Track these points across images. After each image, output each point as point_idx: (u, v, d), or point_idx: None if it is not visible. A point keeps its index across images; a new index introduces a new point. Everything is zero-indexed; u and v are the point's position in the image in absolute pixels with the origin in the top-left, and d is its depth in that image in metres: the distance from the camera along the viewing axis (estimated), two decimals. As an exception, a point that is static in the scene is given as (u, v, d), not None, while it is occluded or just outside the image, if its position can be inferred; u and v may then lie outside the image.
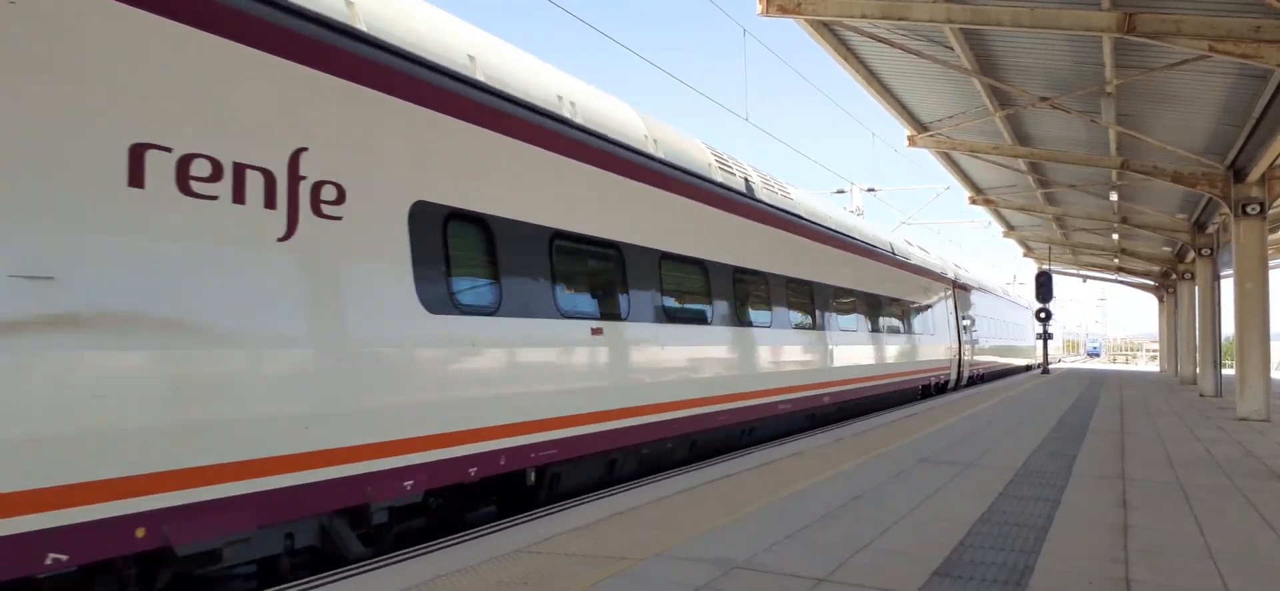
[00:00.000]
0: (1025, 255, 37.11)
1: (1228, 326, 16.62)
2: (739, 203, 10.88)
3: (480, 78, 6.74)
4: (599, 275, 8.08)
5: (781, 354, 11.91)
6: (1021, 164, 18.64)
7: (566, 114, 7.74)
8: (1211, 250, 20.08)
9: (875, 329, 16.35)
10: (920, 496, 6.54)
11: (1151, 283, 38.20)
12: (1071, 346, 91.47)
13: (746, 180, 11.50)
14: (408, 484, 5.60)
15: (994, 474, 7.73)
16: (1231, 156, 14.16)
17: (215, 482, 4.43)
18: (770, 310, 11.69)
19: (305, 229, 5.02)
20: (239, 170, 4.67)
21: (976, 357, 27.35)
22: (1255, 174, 13.63)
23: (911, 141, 16.52)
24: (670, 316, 9.01)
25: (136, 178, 4.19)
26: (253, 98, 4.83)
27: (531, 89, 7.38)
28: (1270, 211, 14.01)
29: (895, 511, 5.96)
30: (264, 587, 4.94)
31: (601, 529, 5.44)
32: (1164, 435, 11.22)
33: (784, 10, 10.41)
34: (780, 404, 11.77)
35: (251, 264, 4.70)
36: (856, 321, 15.27)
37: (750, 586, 4.18)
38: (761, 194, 11.82)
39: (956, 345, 24.01)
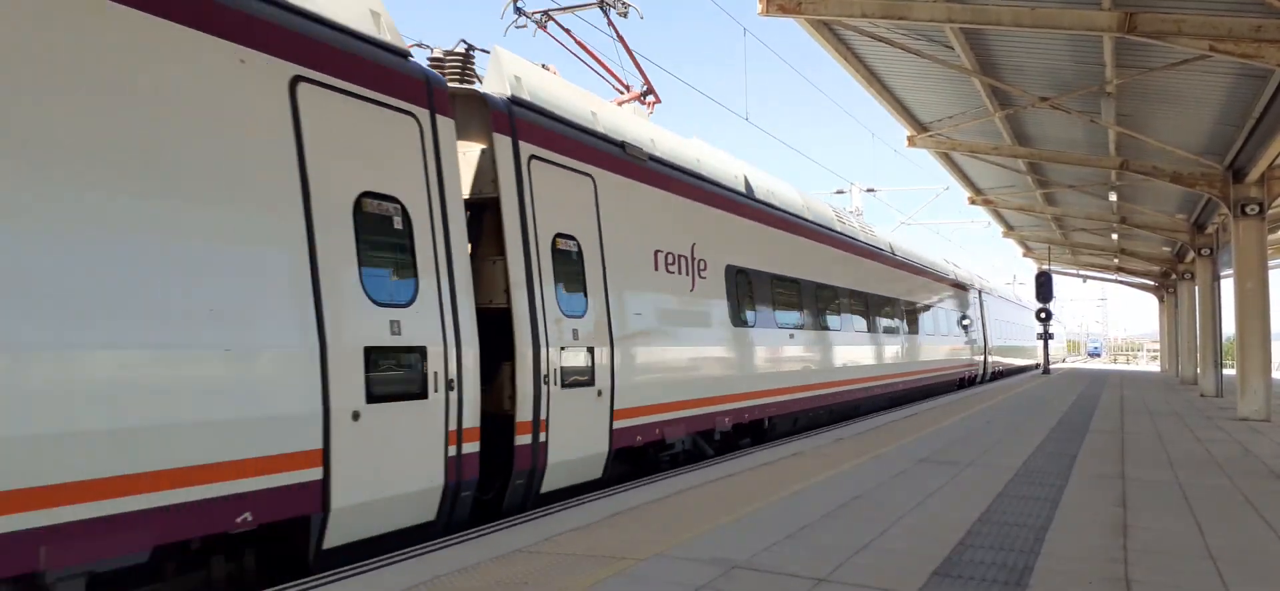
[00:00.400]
0: (1025, 255, 37.11)
1: (1228, 326, 16.63)
2: (852, 245, 15.94)
3: (751, 191, 11.97)
4: (789, 300, 12.57)
5: (883, 352, 17.02)
6: (1021, 164, 18.63)
7: (774, 201, 12.71)
8: (1211, 250, 20.07)
9: (934, 334, 21.70)
10: (920, 496, 6.54)
11: (1151, 283, 38.20)
12: (1073, 346, 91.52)
13: (854, 231, 16.63)
14: (727, 420, 10.31)
15: (994, 474, 7.72)
16: (1231, 157, 14.16)
17: (724, 403, 10.20)
18: (876, 320, 16.76)
19: (697, 284, 9.85)
20: (676, 256, 9.44)
21: (995, 356, 31.81)
22: (1255, 174, 13.62)
23: (911, 141, 16.52)
24: (824, 325, 13.86)
25: (657, 265, 9.04)
26: (681, 220, 9.64)
27: (761, 189, 12.43)
28: (1269, 211, 14.01)
29: (895, 511, 5.96)
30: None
31: (601, 529, 5.44)
32: (1164, 435, 11.22)
33: (784, 10, 10.40)
34: (883, 386, 16.91)
35: (684, 303, 9.53)
36: (922, 327, 20.54)
37: (750, 586, 4.17)
38: (862, 238, 16.94)
39: (983, 345, 29.09)
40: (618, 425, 7.96)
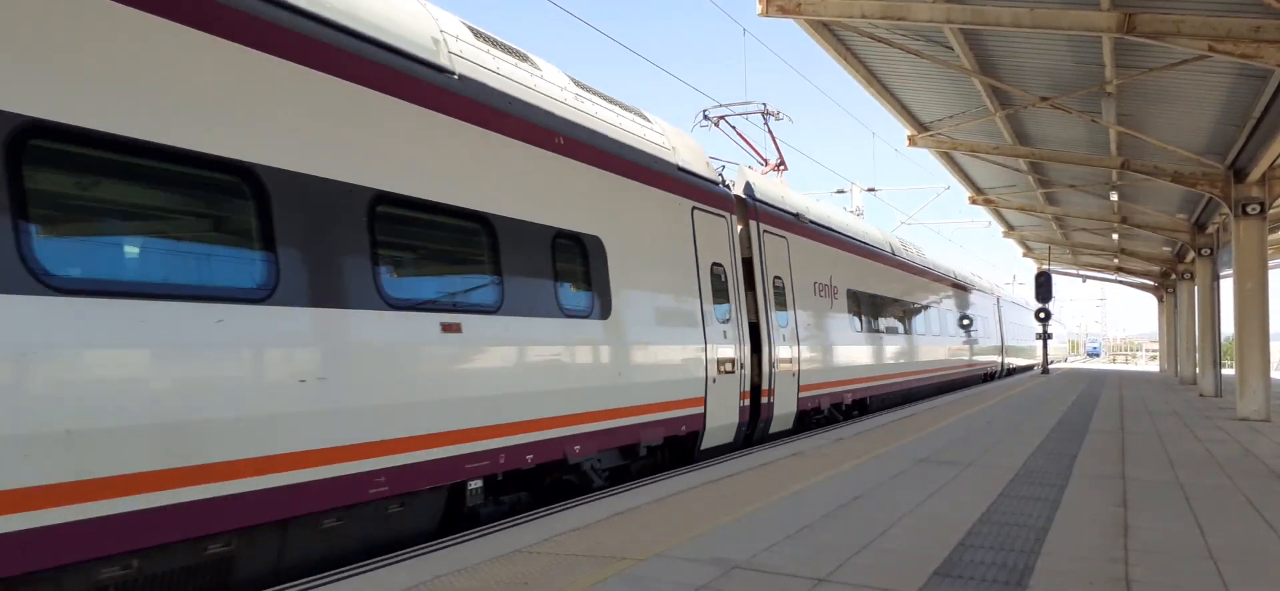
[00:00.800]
0: (1025, 255, 37.10)
1: (1227, 326, 16.62)
2: (921, 269, 20.88)
3: (855, 235, 16.09)
4: (883, 311, 17.06)
5: (940, 351, 22.21)
6: (1021, 164, 18.63)
7: (868, 241, 16.98)
8: (1211, 250, 20.07)
9: (971, 336, 26.94)
10: (920, 496, 6.54)
11: (1151, 283, 38.19)
12: (1074, 347, 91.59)
13: (919, 258, 21.41)
14: (850, 397, 14.54)
15: (994, 474, 7.73)
16: (1232, 156, 14.16)
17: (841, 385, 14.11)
18: (936, 326, 21.98)
19: (834, 303, 14.06)
20: (823, 285, 13.59)
21: (1010, 356, 36.23)
22: (1255, 174, 13.62)
23: (911, 141, 16.52)
24: (905, 330, 18.70)
25: (816, 292, 13.34)
26: (825, 260, 13.83)
27: (858, 231, 16.71)
28: (1270, 211, 14.01)
29: (895, 512, 5.96)
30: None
31: (601, 529, 5.44)
32: (1164, 435, 11.22)
33: (784, 11, 10.41)
34: (939, 377, 22.17)
35: (829, 316, 13.70)
36: (965, 331, 26.04)
37: (750, 586, 4.18)
38: (925, 263, 21.71)
39: (1001, 345, 33.57)
40: (801, 395, 12.40)
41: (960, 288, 25.80)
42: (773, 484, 7.10)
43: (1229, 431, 11.78)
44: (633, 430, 8.06)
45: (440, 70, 6.28)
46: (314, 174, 5.17)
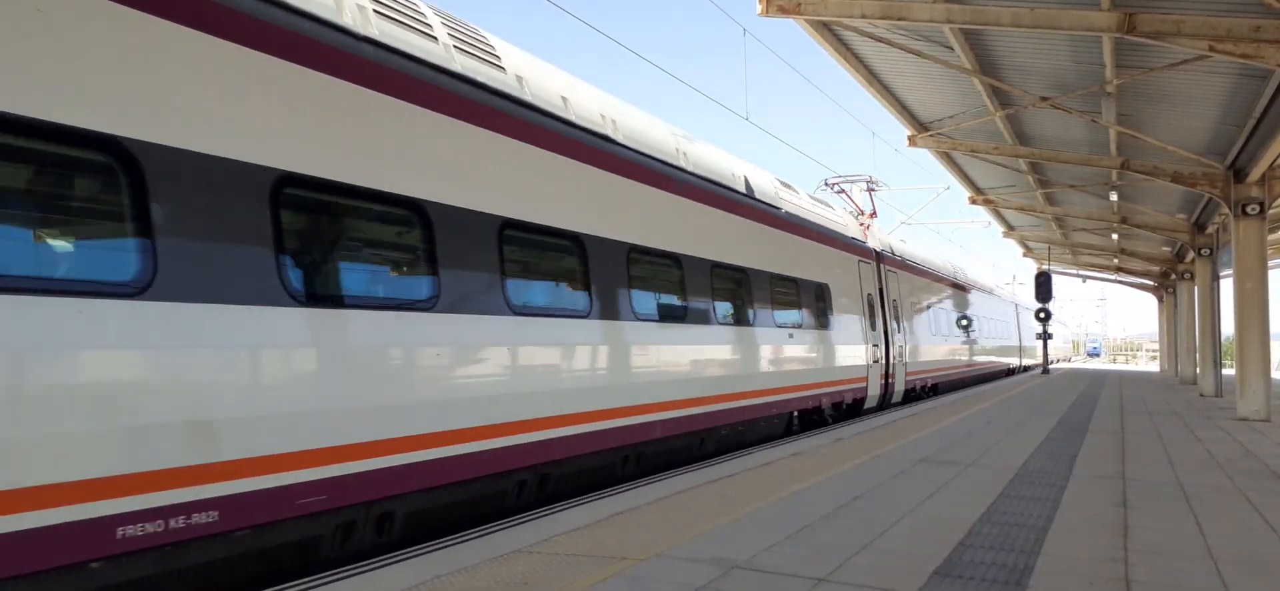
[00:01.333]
0: (1025, 255, 37.09)
1: (1227, 326, 16.62)
2: (969, 286, 27.23)
3: (935, 267, 22.94)
4: (953, 321, 23.91)
5: (985, 349, 28.77)
6: (1021, 164, 18.63)
7: (940, 269, 23.15)
8: (1211, 250, 20.06)
9: (1002, 338, 33.52)
10: (920, 496, 6.54)
11: (1151, 283, 38.18)
12: (1076, 346, 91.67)
13: (972, 277, 28.66)
14: (932, 381, 20.94)
15: (994, 474, 7.72)
16: (1232, 156, 14.16)
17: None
18: (980, 330, 27.93)
19: (923, 315, 20.53)
20: (914, 303, 19.78)
21: (1026, 357, 41.78)
22: (1255, 174, 13.62)
23: (912, 141, 16.52)
24: (969, 334, 25.84)
25: (915, 308, 20.13)
26: (917, 285, 20.07)
27: (944, 261, 24.77)
28: (1270, 211, 14.00)
29: (895, 512, 5.96)
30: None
31: (601, 529, 5.44)
32: (1164, 435, 11.22)
33: (784, 10, 10.40)
34: (984, 369, 28.54)
35: (918, 324, 19.87)
36: (997, 334, 32.23)
37: (750, 586, 4.17)
38: (973, 279, 28.59)
39: (1019, 346, 39.36)
40: (908, 379, 18.26)
41: (997, 299, 34.00)
42: (773, 484, 7.10)
43: (1229, 431, 11.78)
44: (841, 393, 14.13)
45: (777, 213, 12.41)
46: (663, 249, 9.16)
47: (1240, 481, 7.50)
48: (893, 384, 17.03)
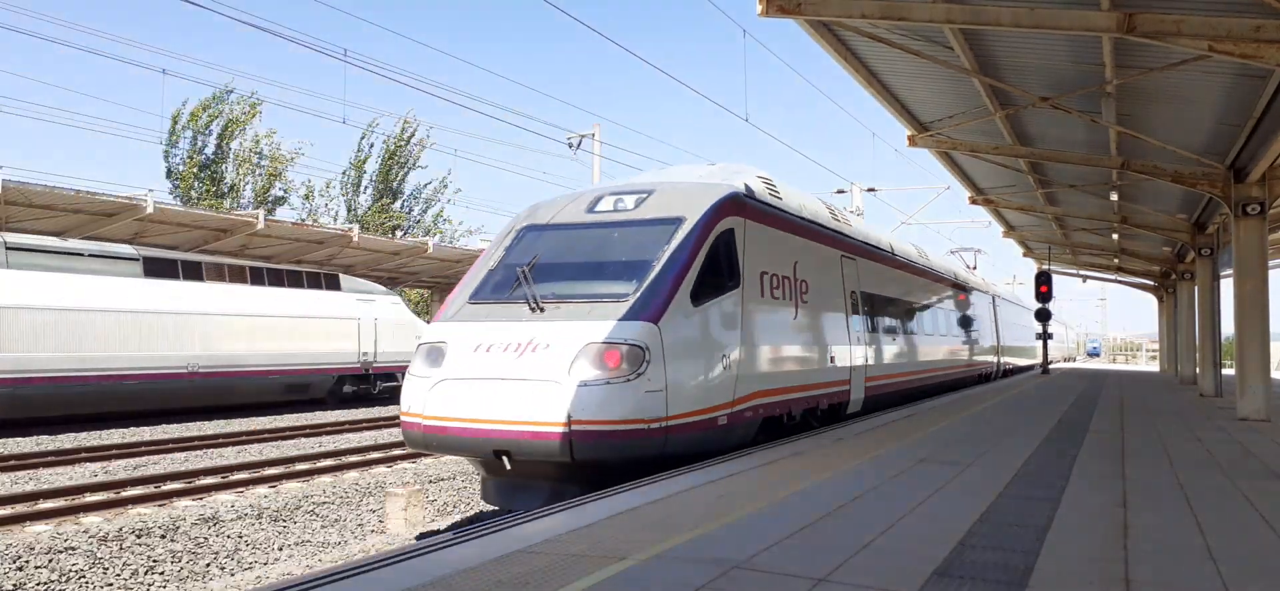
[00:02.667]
0: (1025, 255, 37.07)
1: (1228, 326, 16.61)
2: (1011, 301, 34.47)
3: (997, 292, 32.24)
4: (1005, 327, 31.84)
5: (1011, 348, 32.57)
6: (1022, 164, 18.62)
7: (1004, 293, 33.40)
8: (1211, 250, 20.05)
9: (1024, 341, 38.08)
10: (920, 496, 6.56)
11: (1151, 282, 38.15)
12: (1078, 346, 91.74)
13: (1005, 292, 34.85)
14: (998, 368, 29.81)
15: (994, 474, 7.74)
16: (1232, 156, 14.16)
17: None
18: (1010, 336, 32.30)
19: (994, 324, 29.30)
20: (1009, 321, 32.83)
21: (1039, 356, 46.65)
22: (1256, 174, 13.62)
23: (912, 141, 16.51)
24: (1000, 340, 30.48)
25: (1006, 327, 32.99)
26: (981, 305, 27.38)
27: (1005, 290, 37.79)
28: (1270, 211, 14.00)
29: (895, 511, 5.97)
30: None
31: (601, 529, 5.46)
32: (1164, 435, 11.23)
33: (784, 11, 10.40)
34: (1011, 364, 32.61)
35: (991, 331, 28.96)
36: (1019, 338, 36.46)
37: (749, 586, 4.19)
38: (1008, 295, 34.93)
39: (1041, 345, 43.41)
40: (1001, 362, 29.90)
41: (1021, 308, 38.69)
42: (773, 484, 7.12)
43: (1229, 431, 11.79)
44: (974, 379, 24.33)
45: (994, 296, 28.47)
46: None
47: (1240, 481, 7.51)
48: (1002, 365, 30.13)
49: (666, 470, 8.09)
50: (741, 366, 9.64)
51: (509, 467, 8.34)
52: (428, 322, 28.27)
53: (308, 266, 29.97)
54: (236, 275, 23.15)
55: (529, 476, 8.45)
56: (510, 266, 9.50)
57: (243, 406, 23.08)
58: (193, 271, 21.93)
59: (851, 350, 13.40)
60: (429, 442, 8.59)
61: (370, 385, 26.61)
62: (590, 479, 8.10)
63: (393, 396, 26.61)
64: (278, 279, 24.22)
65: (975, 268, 30.65)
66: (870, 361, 14.44)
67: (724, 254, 9.65)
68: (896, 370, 16.04)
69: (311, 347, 24.15)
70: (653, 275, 8.85)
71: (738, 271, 9.86)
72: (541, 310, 8.74)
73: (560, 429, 7.83)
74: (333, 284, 25.85)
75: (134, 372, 19.92)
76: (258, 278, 23.70)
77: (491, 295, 9.31)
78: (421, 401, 8.51)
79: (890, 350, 15.59)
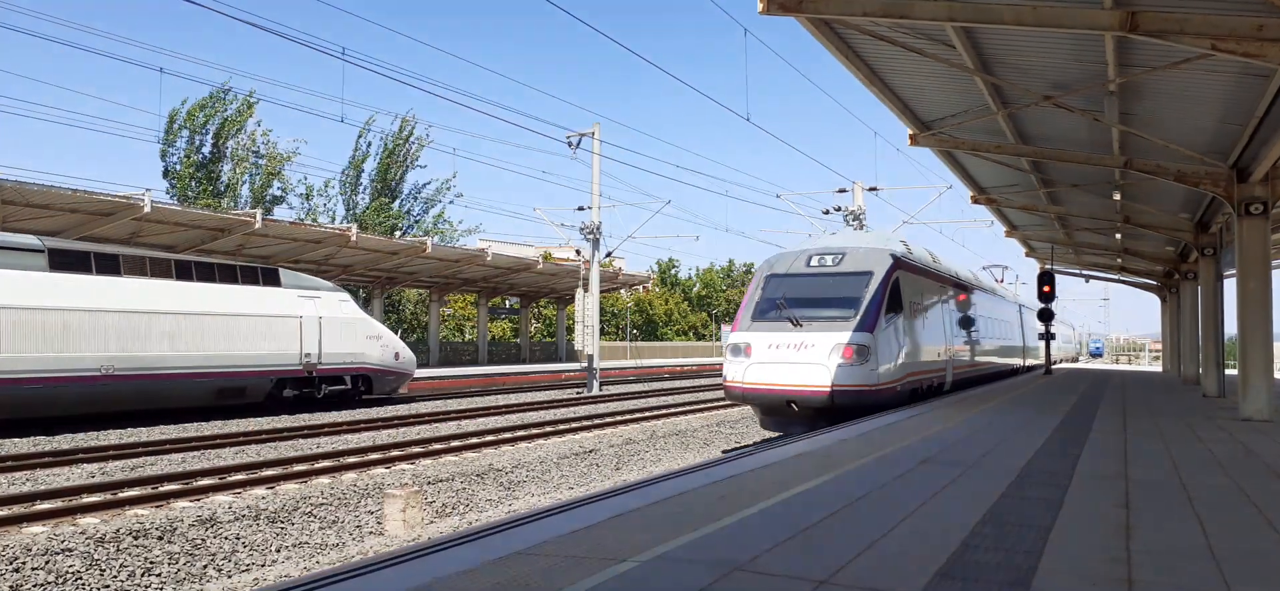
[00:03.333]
0: (1027, 255, 37.02)
1: (1231, 326, 16.56)
2: (1024, 308, 37.55)
3: (1021, 300, 38.75)
4: (1015, 332, 34.08)
5: (1027, 351, 36.49)
6: (1024, 163, 18.58)
7: (992, 286, 33.74)
8: (1214, 250, 20.00)
9: (1033, 342, 40.97)
10: (923, 497, 6.51)
11: (1154, 282, 38.09)
12: (1081, 346, 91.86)
13: (1022, 301, 38.60)
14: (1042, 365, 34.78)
15: (996, 475, 7.69)
16: (1235, 156, 14.11)
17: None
18: (1026, 339, 36.46)
19: (1008, 327, 32.33)
20: (1005, 322, 33.16)
21: (1055, 354, 49.15)
22: (1259, 173, 13.57)
23: (913, 140, 16.46)
24: (1021, 342, 35.38)
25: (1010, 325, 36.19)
26: (1008, 313, 32.86)
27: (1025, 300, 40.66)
28: (1274, 211, 13.95)
29: (897, 512, 5.93)
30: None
31: (601, 530, 5.41)
32: (1167, 435, 11.18)
33: (785, 8, 10.36)
34: (1030, 364, 36.60)
35: (1018, 335, 34.81)
36: (1043, 339, 38.53)
37: (750, 587, 4.15)
38: (1028, 301, 38.13)
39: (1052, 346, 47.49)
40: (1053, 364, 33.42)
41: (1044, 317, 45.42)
42: (774, 484, 7.07)
43: (1232, 432, 11.74)
44: (1009, 372, 28.87)
45: (1010, 302, 33.45)
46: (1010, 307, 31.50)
47: (1243, 482, 7.47)
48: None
49: (870, 414, 14.22)
50: (904, 358, 16.60)
51: (795, 411, 15.43)
52: (381, 325, 28.21)
53: (244, 260, 28.40)
54: (160, 269, 20.66)
55: (804, 415, 15.37)
56: (770, 299, 16.43)
57: (173, 412, 21.03)
58: (108, 265, 19.71)
59: (947, 349, 20.43)
60: (747, 398, 16.13)
61: (314, 389, 23.81)
62: (836, 417, 14.34)
63: (346, 402, 24.74)
64: (208, 273, 21.75)
65: (1002, 280, 36.27)
66: (955, 358, 21.36)
67: (895, 293, 16.39)
68: (968, 363, 23.13)
69: (246, 348, 21.78)
70: (863, 306, 15.68)
71: (901, 303, 16.71)
72: (800, 325, 15.71)
73: (827, 388, 14.84)
74: (271, 279, 23.33)
75: (36, 376, 17.86)
76: (185, 272, 21.17)
77: (765, 316, 16.28)
78: (741, 375, 15.72)
79: (965, 350, 22.76)
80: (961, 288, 22.85)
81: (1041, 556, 4.78)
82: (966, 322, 23.48)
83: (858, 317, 15.52)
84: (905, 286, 17.02)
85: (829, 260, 17.15)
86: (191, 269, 21.46)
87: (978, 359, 24.53)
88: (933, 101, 15.15)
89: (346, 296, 25.24)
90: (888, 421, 13.22)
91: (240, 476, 13.16)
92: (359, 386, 25.18)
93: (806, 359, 15.31)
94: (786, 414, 15.99)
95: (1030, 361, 37.74)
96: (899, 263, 17.00)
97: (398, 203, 51.95)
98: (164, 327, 20.08)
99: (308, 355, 23.36)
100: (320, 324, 23.75)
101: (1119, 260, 34.32)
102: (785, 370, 15.39)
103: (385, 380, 26.08)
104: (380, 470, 14.02)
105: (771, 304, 16.48)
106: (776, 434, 16.28)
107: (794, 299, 16.41)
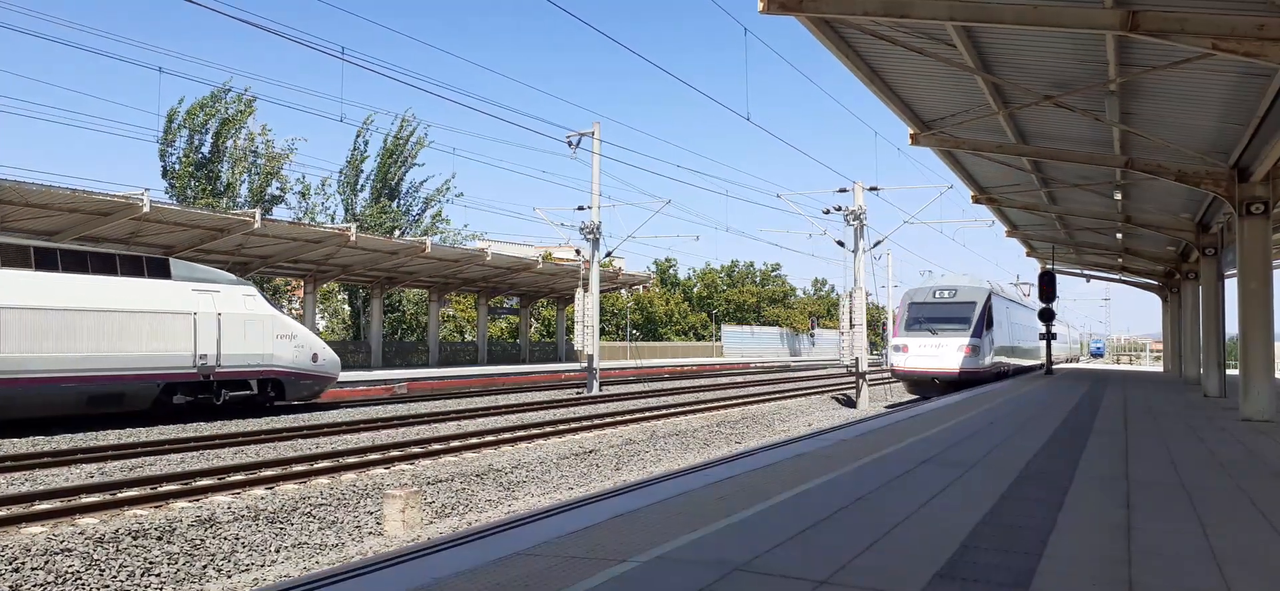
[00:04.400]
0: (1028, 255, 37.02)
1: (1232, 326, 16.55)
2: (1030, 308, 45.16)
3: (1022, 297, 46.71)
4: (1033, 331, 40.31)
5: (1058, 348, 47.75)
6: (1025, 162, 18.56)
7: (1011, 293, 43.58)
8: (1215, 250, 19.98)
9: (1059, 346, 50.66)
10: (923, 498, 6.49)
11: (1155, 282, 38.08)
12: (1083, 346, 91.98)
13: (1016, 297, 43.96)
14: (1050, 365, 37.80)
15: (997, 475, 7.68)
16: (1236, 155, 14.09)
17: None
18: (1033, 338, 42.80)
19: (1022, 329, 40.29)
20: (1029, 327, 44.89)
21: (1062, 354, 54.31)
22: (1260, 173, 13.55)
23: (914, 140, 16.45)
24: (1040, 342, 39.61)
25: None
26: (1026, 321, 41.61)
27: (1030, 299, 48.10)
28: (1275, 211, 13.93)
29: (897, 513, 5.91)
30: None
31: (601, 531, 5.40)
32: (1167, 436, 11.16)
33: (785, 8, 10.34)
34: (1057, 360, 43.43)
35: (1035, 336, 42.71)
36: (1058, 340, 44.75)
37: (750, 587, 4.13)
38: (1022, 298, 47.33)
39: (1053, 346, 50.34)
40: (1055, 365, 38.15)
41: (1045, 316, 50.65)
42: (774, 485, 7.06)
43: (1233, 432, 11.72)
44: (1035, 367, 36.88)
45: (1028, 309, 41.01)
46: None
47: (1244, 482, 7.45)
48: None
49: (977, 386, 25.24)
50: (994, 354, 30.18)
51: (936, 384, 28.14)
52: (306, 326, 26.72)
53: (128, 248, 25.21)
54: (15, 258, 17.90)
55: (940, 387, 27.30)
56: (914, 318, 30.13)
57: (36, 421, 18.48)
58: None
59: (1009, 348, 31.31)
60: (907, 376, 30.34)
61: (212, 395, 20.83)
62: (959, 387, 25.58)
63: (253, 410, 22.01)
64: (78, 263, 18.88)
65: (1029, 295, 41.48)
66: (1012, 352, 32.83)
67: (989, 314, 29.44)
68: (1013, 360, 32.52)
69: (125, 349, 18.84)
70: (973, 322, 29.08)
71: (991, 320, 29.77)
72: (935, 334, 29.28)
73: (956, 370, 28.16)
74: (160, 270, 20.38)
75: None
76: (46, 261, 18.35)
77: (914, 327, 30.00)
78: (903, 362, 29.94)
79: (1013, 350, 33.16)
80: (1018, 306, 37.84)
81: (1041, 557, 4.76)
82: (1016, 330, 35.88)
83: (970, 329, 29.04)
84: (995, 311, 30.82)
85: (947, 294, 30.85)
86: (56, 257, 18.69)
87: (1020, 358, 36.23)
88: (933, 101, 15.13)
89: (253, 290, 22.71)
90: (888, 421, 13.23)
91: (239, 476, 13.14)
92: (268, 392, 22.27)
93: (942, 353, 28.76)
94: (929, 386, 29.00)
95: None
96: (989, 297, 30.36)
97: (397, 202, 51.95)
98: (21, 324, 17.45)
99: (203, 356, 20.43)
100: (219, 321, 20.91)
101: (1120, 260, 34.31)
102: (929, 360, 29.02)
103: (299, 385, 23.06)
104: (380, 470, 14.00)
105: (916, 320, 30.16)
106: (918, 397, 29.56)
107: (930, 318, 29.87)
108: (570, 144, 30.93)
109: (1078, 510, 6.10)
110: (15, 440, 16.60)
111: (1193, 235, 22.01)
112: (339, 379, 25.30)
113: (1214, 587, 4.26)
